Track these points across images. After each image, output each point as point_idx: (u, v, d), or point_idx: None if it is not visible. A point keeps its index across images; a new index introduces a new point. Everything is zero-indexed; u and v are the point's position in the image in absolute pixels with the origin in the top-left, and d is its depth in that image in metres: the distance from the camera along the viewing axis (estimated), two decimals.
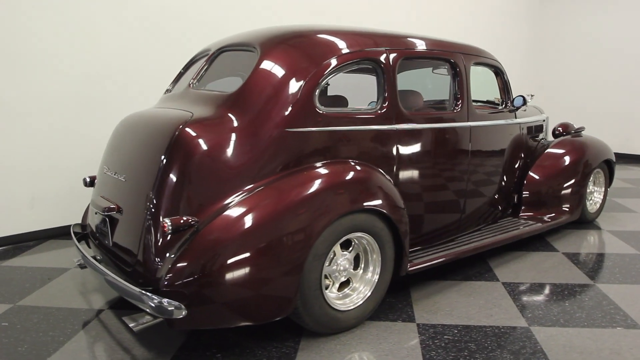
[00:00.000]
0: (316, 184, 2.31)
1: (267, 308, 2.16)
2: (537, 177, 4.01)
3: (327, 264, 2.45)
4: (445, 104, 3.37)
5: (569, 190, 4.03)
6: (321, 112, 2.43)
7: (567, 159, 4.13)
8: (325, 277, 2.47)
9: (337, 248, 2.48)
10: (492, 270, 3.38)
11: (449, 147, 3.06)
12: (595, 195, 4.53)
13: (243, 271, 2.08)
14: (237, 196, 2.21)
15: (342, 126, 2.50)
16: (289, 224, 2.19)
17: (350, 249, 2.56)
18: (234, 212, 2.15)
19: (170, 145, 2.21)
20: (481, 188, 3.42)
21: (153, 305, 1.98)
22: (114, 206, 2.40)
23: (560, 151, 4.21)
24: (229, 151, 2.24)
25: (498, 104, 3.74)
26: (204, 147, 2.21)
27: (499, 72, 3.63)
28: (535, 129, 4.26)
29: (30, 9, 3.80)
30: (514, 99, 3.66)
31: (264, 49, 2.50)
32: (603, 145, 4.45)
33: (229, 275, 2.06)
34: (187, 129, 2.24)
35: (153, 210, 2.18)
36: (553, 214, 3.97)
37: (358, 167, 2.53)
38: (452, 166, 3.10)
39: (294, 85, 2.37)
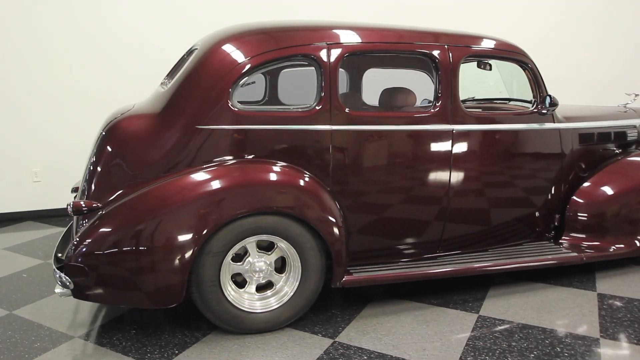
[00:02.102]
0: (213, 182, 2.32)
1: (153, 294, 2.28)
2: (595, 194, 3.21)
3: (240, 263, 2.45)
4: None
5: None
6: (236, 110, 2.42)
7: None
8: (237, 275, 2.48)
9: (252, 248, 2.46)
10: (482, 299, 2.87)
11: (414, 152, 2.69)
12: None
13: (127, 257, 2.23)
14: (143, 187, 2.36)
15: (261, 125, 2.44)
16: (179, 219, 2.26)
17: (271, 252, 2.50)
18: (132, 201, 2.31)
19: (99, 137, 2.48)
20: (481, 204, 2.91)
21: (55, 277, 2.29)
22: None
23: None
24: (143, 144, 2.40)
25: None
26: (122, 139, 2.42)
27: (522, 66, 3.02)
28: (607, 137, 3.41)
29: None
30: (545, 99, 3.00)
31: (198, 49, 2.59)
32: None
33: (113, 259, 2.23)
34: (114, 124, 2.47)
35: (80, 195, 2.49)
36: (615, 244, 3.16)
37: (271, 168, 2.44)
38: (419, 175, 2.73)
39: (208, 85, 2.40)
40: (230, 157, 2.44)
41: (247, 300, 2.48)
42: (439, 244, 2.89)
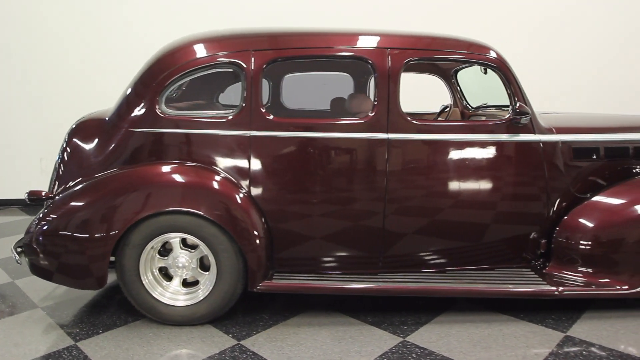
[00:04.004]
0: (131, 181, 2.53)
1: (79, 277, 2.56)
2: (590, 218, 2.72)
3: (165, 258, 2.63)
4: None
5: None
6: (164, 115, 2.58)
7: None
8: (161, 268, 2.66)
9: (175, 244, 2.61)
10: (423, 324, 2.63)
11: (342, 161, 2.59)
12: None
13: (61, 242, 2.54)
14: (84, 181, 2.66)
15: (184, 129, 2.57)
16: (101, 212, 2.51)
17: (195, 250, 2.63)
18: (71, 194, 2.62)
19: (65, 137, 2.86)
20: (427, 221, 2.66)
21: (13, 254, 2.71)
22: None
23: None
24: (91, 145, 2.71)
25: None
26: (76, 140, 2.75)
27: (492, 70, 2.67)
28: (621, 152, 2.87)
29: None
30: (518, 108, 2.62)
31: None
32: None
33: (51, 242, 2.56)
34: (74, 125, 2.82)
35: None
36: (603, 279, 2.65)
37: (186, 170, 2.55)
38: (348, 186, 2.60)
39: (141, 92, 2.62)
40: (158, 159, 2.62)
41: (170, 293, 2.64)
42: (379, 260, 2.73)
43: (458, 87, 3.68)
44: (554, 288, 2.62)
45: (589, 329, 2.58)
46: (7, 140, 5.38)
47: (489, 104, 3.52)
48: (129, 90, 2.69)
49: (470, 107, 3.66)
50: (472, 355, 2.36)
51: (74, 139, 2.77)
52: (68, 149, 2.78)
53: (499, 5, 5.37)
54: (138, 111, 2.62)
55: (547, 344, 2.44)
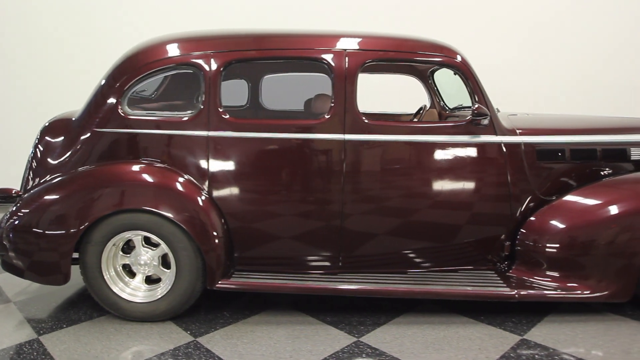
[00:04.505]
0: (91, 181, 2.61)
1: (42, 274, 2.64)
2: (551, 224, 2.69)
3: (128, 255, 2.69)
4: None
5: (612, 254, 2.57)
6: (126, 116, 2.64)
7: (620, 205, 2.60)
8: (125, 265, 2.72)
9: (138, 242, 2.67)
10: (380, 325, 2.64)
11: (298, 161, 2.61)
12: None
13: (26, 239, 2.62)
14: (51, 180, 2.74)
15: (145, 129, 2.63)
16: (62, 210, 2.58)
17: (157, 248, 2.68)
18: (37, 191, 2.69)
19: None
20: (384, 222, 2.67)
21: None
22: None
23: (619, 191, 2.66)
24: (59, 143, 2.78)
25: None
26: (47, 137, 2.83)
27: (453, 71, 2.66)
28: (589, 154, 2.82)
29: None
30: (476, 109, 2.60)
31: None
32: None
33: (18, 239, 2.64)
34: (44, 125, 2.89)
35: None
36: (570, 284, 2.62)
37: (149, 170, 2.61)
38: (304, 186, 2.62)
39: (105, 92, 2.68)
40: (122, 159, 2.68)
41: (130, 289, 2.69)
42: (338, 260, 2.74)
43: (435, 88, 3.66)
44: (513, 291, 2.59)
45: (547, 333, 2.55)
46: (5, 140, 5.54)
47: (464, 105, 3.51)
48: (95, 91, 2.76)
49: (447, 108, 3.64)
50: (423, 356, 2.35)
51: (45, 137, 2.85)
52: (39, 147, 2.85)
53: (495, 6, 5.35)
54: (103, 112, 2.68)
55: (501, 346, 2.42)
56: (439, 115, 3.66)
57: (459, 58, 2.68)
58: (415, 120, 3.55)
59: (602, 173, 2.85)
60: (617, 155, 2.87)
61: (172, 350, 2.42)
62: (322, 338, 2.53)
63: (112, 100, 2.66)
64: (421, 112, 3.58)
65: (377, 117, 3.65)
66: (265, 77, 3.78)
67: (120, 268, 2.71)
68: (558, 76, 5.38)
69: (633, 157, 2.89)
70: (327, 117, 2.58)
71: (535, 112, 3.77)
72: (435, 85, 3.65)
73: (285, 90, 4.05)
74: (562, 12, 5.36)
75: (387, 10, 5.34)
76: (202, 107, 2.59)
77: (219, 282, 2.63)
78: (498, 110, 2.96)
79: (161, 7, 5.38)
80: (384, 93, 4.40)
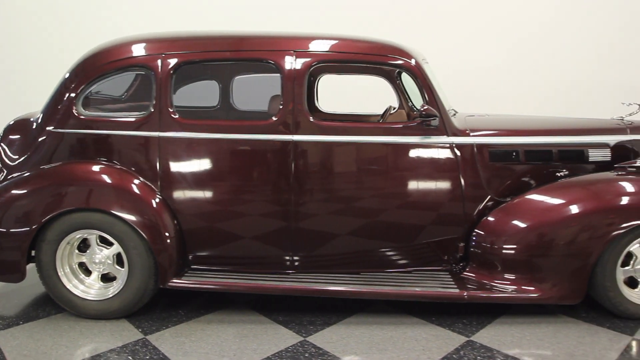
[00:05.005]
0: (43, 181, 2.66)
1: (0, 271, 2.69)
2: (503, 225, 2.68)
3: (83, 253, 2.74)
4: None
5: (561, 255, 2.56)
6: (81, 116, 2.69)
7: (579, 205, 2.59)
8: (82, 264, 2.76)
9: (93, 241, 2.71)
10: (330, 325, 2.65)
11: (245, 161, 2.65)
12: None
13: None
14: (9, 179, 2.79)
15: (98, 130, 2.68)
16: (17, 209, 2.64)
17: (111, 246, 2.72)
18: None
19: None
20: (334, 223, 2.68)
21: None
22: None
23: (575, 192, 2.65)
24: (19, 142, 2.84)
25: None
26: (10, 136, 2.88)
27: (405, 72, 2.67)
28: (544, 156, 2.81)
29: None
30: (424, 110, 2.60)
31: None
32: None
33: None
34: (11, 122, 2.95)
35: None
36: (522, 284, 2.61)
37: (100, 169, 2.65)
38: (253, 187, 2.65)
39: (62, 92, 2.73)
40: (76, 159, 2.72)
41: (83, 287, 2.73)
42: (292, 260, 2.76)
43: (403, 89, 3.66)
44: (463, 292, 2.59)
45: (495, 335, 2.54)
46: None
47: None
48: (53, 92, 2.81)
49: (415, 109, 3.64)
50: (365, 357, 2.37)
51: (8, 136, 2.91)
52: (2, 146, 2.91)
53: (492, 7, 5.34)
54: (59, 112, 2.73)
55: (445, 347, 2.42)
56: (407, 116, 3.66)
57: (406, 59, 2.67)
58: (381, 121, 3.56)
59: (559, 174, 2.84)
60: (574, 156, 2.85)
61: (119, 348, 2.46)
62: (270, 337, 2.55)
63: (67, 101, 2.71)
64: (387, 113, 3.58)
65: (343, 117, 3.67)
66: (237, 78, 3.81)
67: (77, 266, 2.76)
68: (551, 78, 5.35)
69: (591, 159, 2.87)
70: (274, 118, 2.60)
71: (506, 113, 3.76)
72: (403, 86, 3.65)
73: (258, 92, 4.09)
74: (555, 15, 5.33)
75: (380, 14, 5.33)
76: (152, 109, 2.63)
77: (171, 281, 2.66)
78: (455, 112, 2.96)
79: (162, 7, 5.45)
80: (366, 94, 4.39)
